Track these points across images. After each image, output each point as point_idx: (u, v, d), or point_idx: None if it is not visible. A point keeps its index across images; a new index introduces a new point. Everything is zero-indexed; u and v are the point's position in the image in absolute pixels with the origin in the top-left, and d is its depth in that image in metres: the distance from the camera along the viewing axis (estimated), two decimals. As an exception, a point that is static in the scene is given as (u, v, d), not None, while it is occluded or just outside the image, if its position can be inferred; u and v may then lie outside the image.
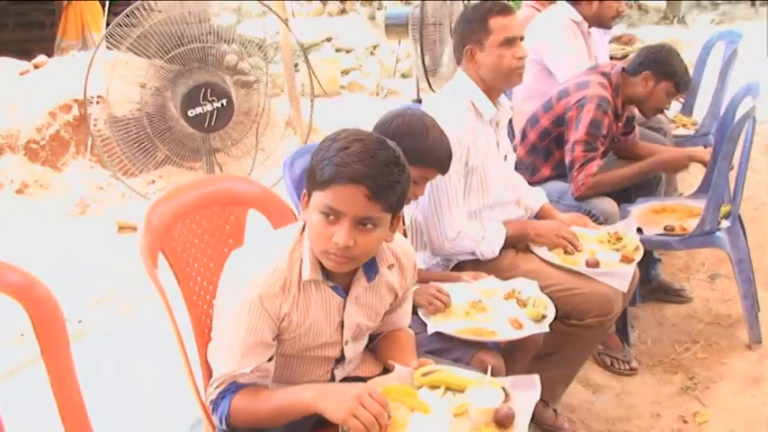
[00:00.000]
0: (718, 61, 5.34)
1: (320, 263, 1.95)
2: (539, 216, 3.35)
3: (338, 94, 9.74)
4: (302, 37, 11.12)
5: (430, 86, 4.61)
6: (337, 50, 10.92)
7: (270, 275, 1.93)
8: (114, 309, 4.48)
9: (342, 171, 1.77)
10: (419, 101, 4.78)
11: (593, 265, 2.94)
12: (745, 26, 14.11)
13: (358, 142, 1.81)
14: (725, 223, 3.65)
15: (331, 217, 1.83)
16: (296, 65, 10.53)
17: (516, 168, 3.77)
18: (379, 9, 11.70)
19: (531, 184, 3.80)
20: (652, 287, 4.28)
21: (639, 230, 3.59)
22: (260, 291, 1.91)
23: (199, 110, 3.78)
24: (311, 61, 10.32)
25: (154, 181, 6.08)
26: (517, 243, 3.07)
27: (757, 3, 16.44)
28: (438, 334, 2.49)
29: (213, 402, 1.98)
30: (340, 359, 2.15)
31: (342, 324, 2.07)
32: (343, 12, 12.55)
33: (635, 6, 15.54)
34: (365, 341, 2.25)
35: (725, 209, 3.67)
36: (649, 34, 11.80)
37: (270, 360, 1.99)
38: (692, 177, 5.46)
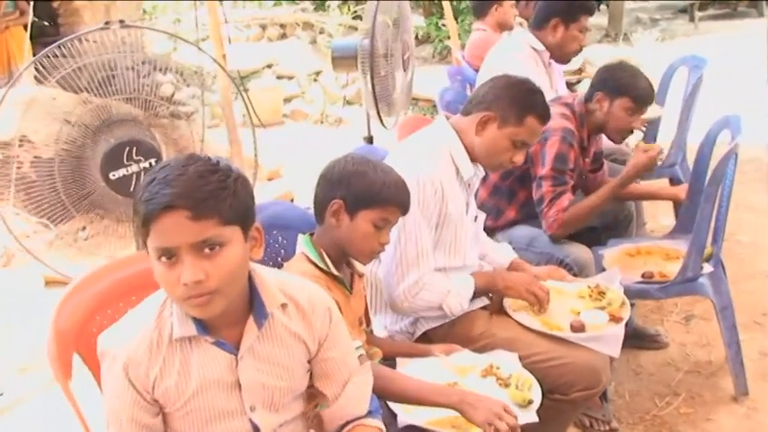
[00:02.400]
0: (680, 86, 5.13)
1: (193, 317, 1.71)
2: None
3: (281, 123, 9.37)
4: (241, 64, 10.77)
5: (381, 123, 4.29)
6: (278, 77, 10.56)
7: (134, 340, 1.71)
8: (42, 377, 4.03)
9: (152, 203, 1.57)
10: (370, 139, 4.46)
11: (579, 329, 2.64)
12: (687, 42, 14.17)
13: (163, 169, 1.61)
14: (707, 268, 3.39)
15: (167, 258, 1.60)
16: (235, 93, 10.20)
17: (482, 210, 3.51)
18: (320, 33, 11.38)
19: (495, 229, 3.55)
20: (626, 334, 3.98)
21: None
22: (124, 359, 1.70)
23: (123, 171, 3.36)
24: (251, 90, 9.99)
25: (84, 227, 5.63)
26: (485, 294, 2.80)
27: (696, 18, 16.53)
28: (411, 427, 2.16)
29: None
30: None
31: (239, 386, 1.77)
32: (283, 37, 12.21)
33: (577, 25, 15.45)
34: (294, 413, 1.90)
35: (706, 251, 3.41)
36: (597, 54, 11.70)
37: None
38: (661, 213, 5.25)
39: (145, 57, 9.85)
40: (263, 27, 12.55)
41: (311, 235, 2.33)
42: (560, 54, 4.15)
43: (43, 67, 3.94)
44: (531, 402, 2.26)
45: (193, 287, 1.59)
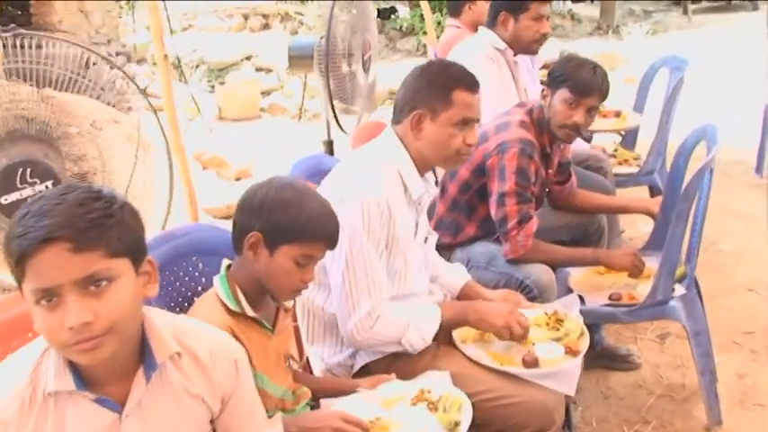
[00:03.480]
0: (661, 88, 4.89)
1: (75, 368, 1.51)
2: (461, 296, 2.82)
3: (258, 118, 9.10)
4: (220, 55, 10.53)
5: (340, 128, 4.04)
6: (258, 69, 10.29)
7: (3, 399, 1.49)
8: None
9: (26, 239, 1.37)
10: (330, 143, 4.21)
11: (532, 363, 2.40)
12: (679, 36, 13.95)
13: (38, 201, 1.43)
14: (679, 289, 3.16)
15: (48, 301, 1.40)
16: (211, 86, 9.95)
17: (437, 228, 3.28)
18: (301, 25, 11.12)
19: (454, 245, 3.32)
20: (596, 353, 3.74)
21: (581, 300, 3.09)
22: None
23: (16, 195, 3.07)
24: (229, 82, 9.73)
25: None
26: (453, 328, 2.54)
27: (690, 11, 16.32)
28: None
29: None
30: None
31: None
32: (265, 27, 11.94)
33: (567, 17, 15.23)
34: None
35: (679, 271, 3.18)
36: (583, 48, 11.46)
37: None
38: (641, 220, 5.03)
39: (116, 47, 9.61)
40: (246, 17, 12.30)
41: (230, 267, 2.09)
42: (520, 47, 3.91)
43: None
44: (457, 425, 2.06)
45: (80, 330, 1.39)
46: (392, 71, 9.76)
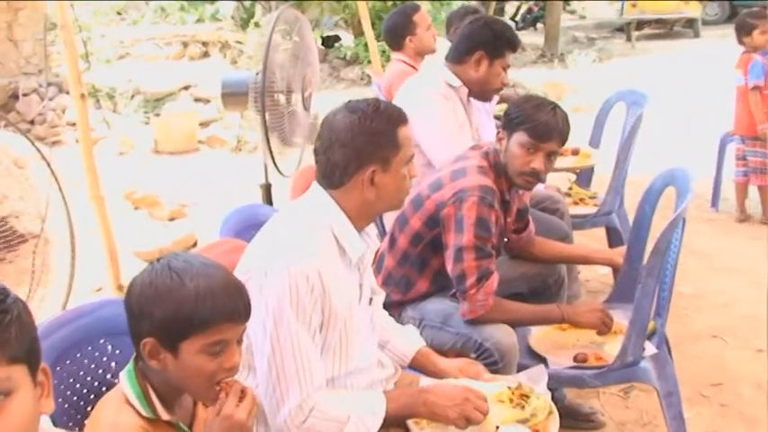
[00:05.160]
0: (617, 123, 4.69)
1: None
2: (413, 364, 2.52)
3: (195, 151, 8.71)
4: (157, 85, 10.14)
5: (278, 171, 3.73)
6: (196, 100, 9.91)
7: None
8: None
9: None
10: (268, 187, 3.89)
11: (498, 452, 2.11)
12: (623, 63, 13.95)
13: None
14: (650, 348, 2.91)
15: None
16: (147, 117, 9.55)
17: (386, 284, 2.98)
18: (242, 54, 10.79)
19: (405, 302, 3.01)
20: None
21: (544, 362, 2.82)
22: None
23: None
24: (164, 113, 9.35)
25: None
26: (401, 420, 2.21)
27: (633, 38, 16.38)
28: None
29: None
30: None
31: None
32: (205, 55, 11.58)
33: (512, 45, 15.14)
34: None
35: (649, 327, 2.92)
36: (530, 77, 11.35)
37: None
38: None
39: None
40: (185, 45, 11.93)
41: (138, 359, 1.75)
42: (481, 91, 3.63)
43: None
44: None
45: None
46: (336, 100, 9.46)
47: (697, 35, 16.73)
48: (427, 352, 2.55)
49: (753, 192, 5.80)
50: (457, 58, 3.63)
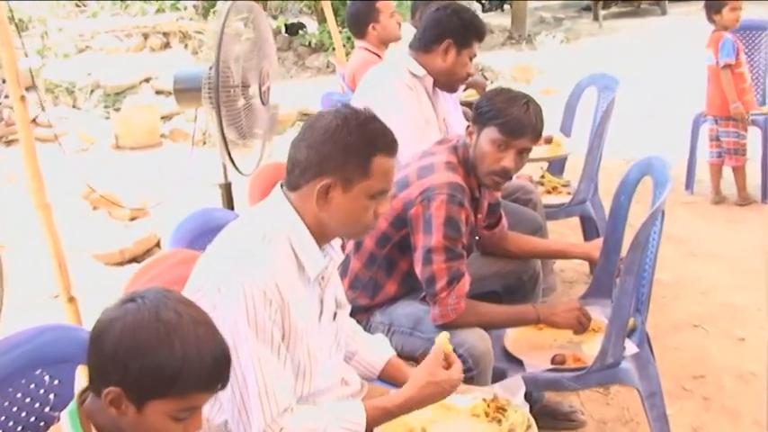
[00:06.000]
0: (589, 108, 4.55)
1: None
2: (383, 376, 2.37)
3: (158, 146, 8.47)
4: (117, 78, 9.88)
5: (236, 168, 3.55)
6: (158, 92, 9.66)
7: None
8: None
9: None
10: (228, 186, 3.71)
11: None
12: (591, 43, 13.84)
13: None
14: (630, 347, 2.78)
15: None
16: (108, 112, 9.30)
17: (352, 287, 2.83)
18: (202, 44, 10.53)
19: (373, 307, 2.88)
20: (535, 412, 3.32)
21: (521, 365, 2.72)
22: None
23: None
24: (125, 107, 9.09)
25: None
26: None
27: (600, 17, 16.27)
28: None
29: None
30: None
31: None
32: (166, 46, 11.32)
33: (480, 27, 14.96)
34: None
35: (629, 324, 2.79)
36: (498, 60, 11.20)
37: None
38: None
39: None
40: (146, 36, 11.66)
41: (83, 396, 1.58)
42: (448, 81, 3.47)
43: None
44: None
45: None
46: (301, 90, 9.30)
47: (664, 12, 16.63)
48: (397, 363, 2.40)
49: (727, 172, 5.68)
50: (423, 46, 3.47)
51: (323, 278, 2.12)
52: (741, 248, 4.83)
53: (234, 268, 1.90)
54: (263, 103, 3.54)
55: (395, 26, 4.68)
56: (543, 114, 2.77)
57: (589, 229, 4.28)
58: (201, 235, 2.72)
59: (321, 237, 2.06)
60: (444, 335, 2.11)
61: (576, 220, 4.43)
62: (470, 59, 3.43)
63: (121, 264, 5.24)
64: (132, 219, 5.80)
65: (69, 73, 10.04)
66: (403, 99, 3.38)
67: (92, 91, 9.60)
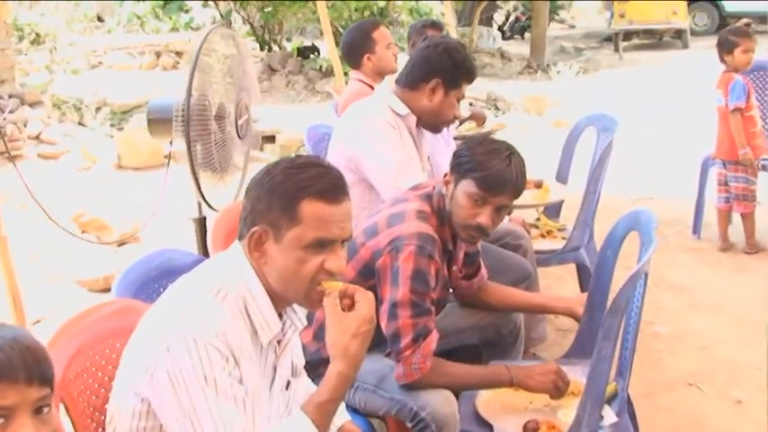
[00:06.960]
0: (588, 149, 4.37)
1: None
2: (334, 442, 2.18)
3: (161, 166, 8.33)
4: (125, 96, 9.81)
5: (209, 206, 3.40)
6: (165, 112, 9.58)
7: None
8: None
9: None
10: (202, 221, 3.54)
11: None
12: (609, 75, 13.66)
13: None
14: (609, 415, 2.59)
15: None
16: (113, 130, 9.21)
17: (317, 338, 2.68)
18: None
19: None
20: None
21: (490, 429, 2.53)
22: None
23: None
24: (131, 125, 8.99)
25: None
26: None
27: (620, 49, 16.10)
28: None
29: None
30: None
31: None
32: (178, 65, 11.26)
33: (497, 55, 14.83)
34: None
35: (609, 388, 2.61)
36: (511, 91, 11.02)
37: None
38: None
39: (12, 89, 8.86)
40: (158, 54, 11.62)
41: None
42: (433, 122, 3.29)
43: None
44: None
45: None
46: (309, 114, 9.14)
47: (686, 46, 16.44)
48: (352, 428, 2.22)
49: (736, 218, 5.46)
50: (410, 83, 3.28)
51: (278, 343, 1.95)
52: (746, 300, 4.59)
53: (182, 325, 1.75)
54: (239, 137, 3.38)
55: (391, 58, 4.51)
56: (526, 168, 2.59)
57: (584, 277, 4.08)
58: (154, 279, 2.55)
59: (279, 299, 1.89)
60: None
61: (572, 267, 4.23)
62: (458, 101, 3.26)
63: (105, 291, 5.09)
64: (121, 244, 5.65)
65: (78, 89, 9.99)
66: (383, 133, 3.20)
67: (98, 108, 9.52)
